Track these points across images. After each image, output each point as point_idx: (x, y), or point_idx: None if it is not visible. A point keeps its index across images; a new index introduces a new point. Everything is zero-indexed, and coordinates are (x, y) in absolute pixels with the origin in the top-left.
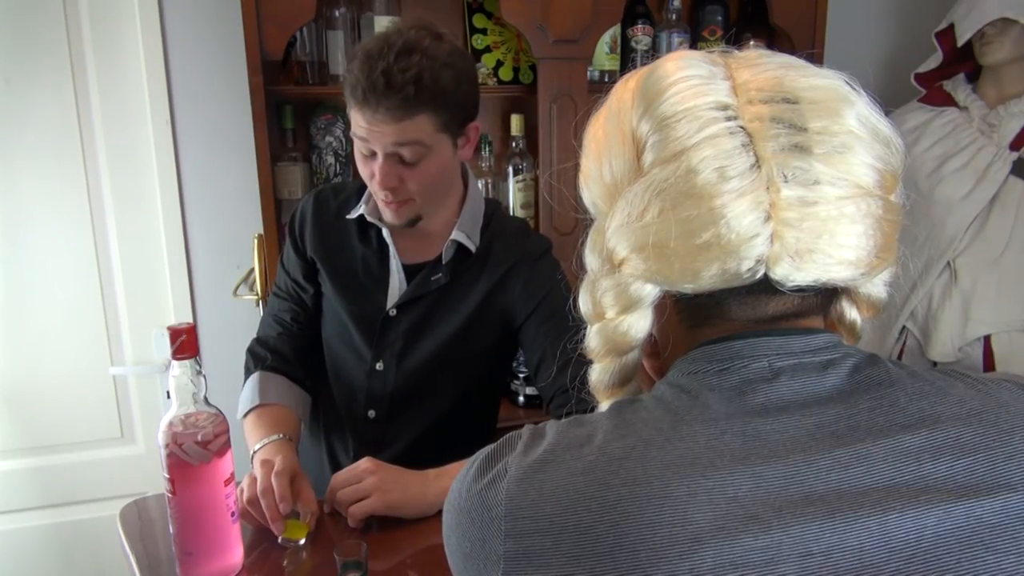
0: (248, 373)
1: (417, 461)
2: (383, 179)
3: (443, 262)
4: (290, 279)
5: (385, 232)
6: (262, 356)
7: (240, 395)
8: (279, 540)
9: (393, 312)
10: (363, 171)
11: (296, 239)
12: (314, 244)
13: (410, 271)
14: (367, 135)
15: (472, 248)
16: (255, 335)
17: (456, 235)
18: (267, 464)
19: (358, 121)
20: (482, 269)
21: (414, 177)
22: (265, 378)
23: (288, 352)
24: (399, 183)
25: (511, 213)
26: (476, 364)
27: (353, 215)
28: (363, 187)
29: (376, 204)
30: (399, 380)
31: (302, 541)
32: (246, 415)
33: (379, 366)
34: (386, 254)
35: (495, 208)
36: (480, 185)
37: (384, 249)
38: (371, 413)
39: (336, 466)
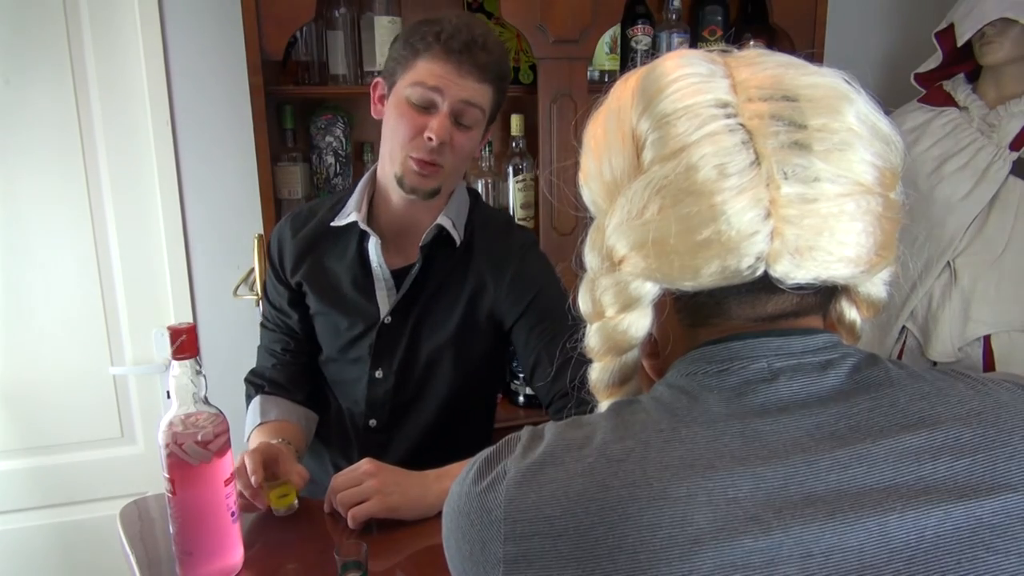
0: (249, 400)
1: (420, 466)
2: (440, 129)
3: (420, 245)
4: (275, 310)
5: (373, 242)
6: (258, 386)
7: (245, 420)
8: (273, 512)
9: (388, 320)
10: (407, 128)
11: (276, 267)
12: (296, 267)
13: (396, 276)
14: (441, 84)
15: (457, 238)
16: (255, 362)
17: (441, 219)
18: (243, 454)
19: (433, 71)
20: (467, 264)
21: (459, 141)
22: (266, 400)
23: (283, 381)
24: (448, 141)
25: (511, 213)
26: (472, 363)
27: (342, 221)
28: (340, 200)
29: (366, 214)
30: (398, 386)
31: (295, 504)
32: (249, 437)
33: (378, 374)
34: (368, 264)
35: (476, 199)
36: (480, 185)
37: (366, 258)
38: (372, 422)
39: (339, 470)
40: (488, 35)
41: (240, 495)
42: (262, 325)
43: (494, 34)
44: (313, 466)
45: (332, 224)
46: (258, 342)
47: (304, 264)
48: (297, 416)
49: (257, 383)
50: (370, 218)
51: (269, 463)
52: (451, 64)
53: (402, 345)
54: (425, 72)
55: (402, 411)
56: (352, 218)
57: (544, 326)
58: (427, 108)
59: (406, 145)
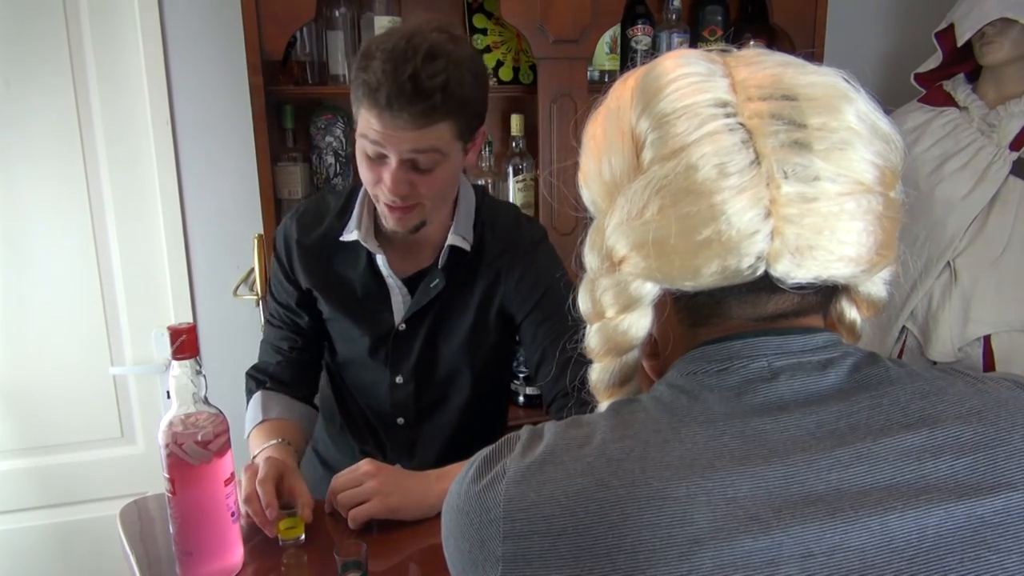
0: (250, 395)
1: (451, 461)
2: (394, 186)
3: (439, 267)
4: (282, 308)
5: (381, 259)
6: (260, 381)
7: (245, 416)
8: (279, 543)
9: (403, 327)
10: (367, 175)
11: (285, 268)
12: (306, 274)
13: (409, 283)
14: (383, 140)
15: (467, 247)
16: (255, 361)
17: (452, 239)
18: (251, 469)
19: (372, 125)
20: (478, 265)
21: (425, 184)
22: (267, 396)
23: (288, 378)
24: (410, 189)
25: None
26: (489, 360)
27: (347, 238)
28: (346, 207)
29: (368, 225)
30: (420, 390)
31: (302, 537)
32: (250, 434)
33: (399, 379)
34: (379, 271)
35: (482, 196)
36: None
37: (377, 268)
38: (400, 420)
39: None
40: (425, 68)
41: (247, 515)
42: (267, 322)
43: (443, 53)
44: (341, 459)
45: (340, 239)
46: (258, 342)
47: (314, 269)
48: (299, 414)
49: (259, 378)
50: (377, 228)
51: (276, 481)
52: (385, 119)
53: (419, 351)
54: (366, 125)
55: (428, 412)
56: (354, 236)
57: (550, 324)
58: (380, 159)
59: (373, 191)
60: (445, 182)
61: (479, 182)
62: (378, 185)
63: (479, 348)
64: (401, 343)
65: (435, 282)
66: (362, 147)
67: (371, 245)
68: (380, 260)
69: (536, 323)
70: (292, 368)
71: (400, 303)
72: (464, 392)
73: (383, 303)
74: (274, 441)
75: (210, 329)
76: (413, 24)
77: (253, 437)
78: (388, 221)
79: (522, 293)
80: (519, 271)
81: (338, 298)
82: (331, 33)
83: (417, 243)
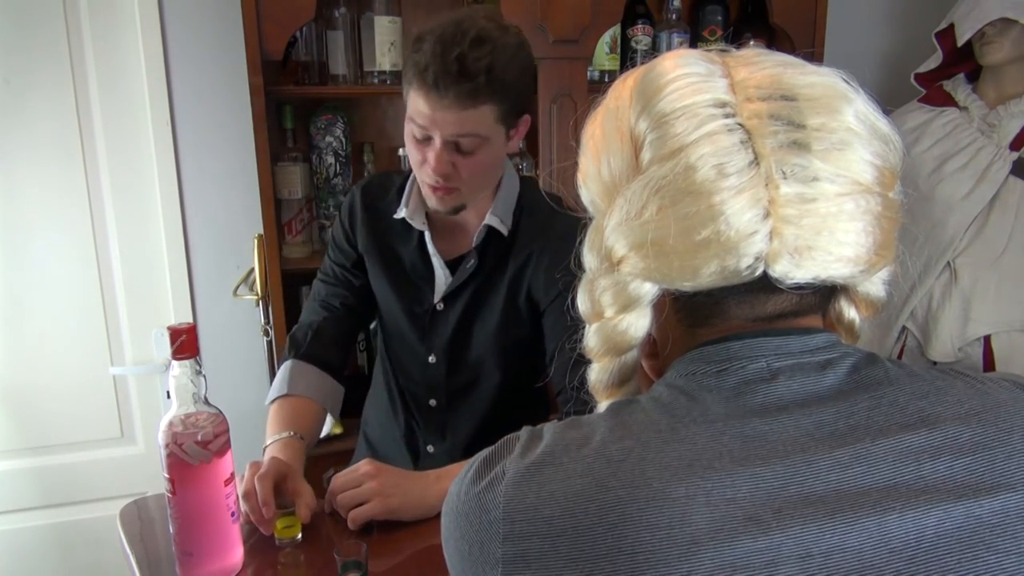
0: (284, 360)
1: (483, 446)
2: (437, 165)
3: (473, 246)
4: (338, 267)
5: (428, 236)
6: (299, 342)
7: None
8: (276, 542)
9: (440, 306)
10: (414, 156)
11: (347, 232)
12: (364, 241)
13: (452, 265)
14: (428, 122)
15: (505, 231)
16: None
17: (489, 219)
18: (255, 466)
19: (419, 107)
20: (512, 248)
21: (467, 166)
22: (296, 368)
23: (329, 337)
24: (452, 170)
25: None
26: (521, 346)
27: (397, 215)
28: (403, 185)
29: (416, 205)
30: (453, 371)
31: (298, 537)
32: (271, 403)
33: (432, 359)
34: (426, 251)
35: (526, 185)
36: None
37: (425, 247)
38: (432, 402)
39: (411, 444)
40: (471, 52)
41: (245, 514)
42: (320, 280)
43: (489, 39)
44: (385, 441)
45: (394, 216)
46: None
47: (371, 237)
48: (322, 394)
49: (298, 340)
50: (426, 211)
51: (277, 481)
52: (432, 99)
53: (452, 330)
54: (413, 108)
55: (459, 394)
56: (403, 214)
57: (569, 316)
58: (426, 140)
59: (418, 172)
60: (486, 166)
61: None
62: (423, 166)
63: (510, 336)
64: (437, 321)
65: (471, 262)
66: (410, 130)
67: (417, 222)
68: (427, 237)
69: (557, 313)
70: (336, 326)
71: (442, 282)
72: (493, 379)
73: (427, 281)
74: (286, 434)
75: (210, 329)
76: (465, 12)
77: (271, 414)
78: (431, 200)
79: (548, 282)
80: (548, 259)
81: (388, 269)
82: (331, 33)
83: (460, 227)
